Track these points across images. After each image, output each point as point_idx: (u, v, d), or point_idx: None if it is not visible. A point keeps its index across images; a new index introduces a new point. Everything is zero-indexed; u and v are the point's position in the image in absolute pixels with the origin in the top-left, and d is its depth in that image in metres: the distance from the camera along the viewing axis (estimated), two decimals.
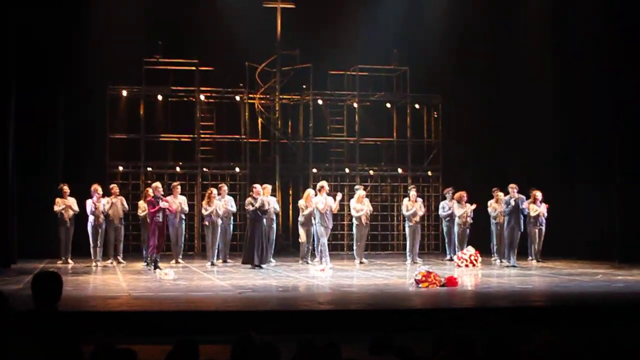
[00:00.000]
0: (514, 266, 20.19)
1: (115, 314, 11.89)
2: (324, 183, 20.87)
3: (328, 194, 20.64)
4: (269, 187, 21.53)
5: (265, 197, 20.57)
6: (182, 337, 6.10)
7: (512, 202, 20.41)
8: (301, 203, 21.89)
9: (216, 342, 8.25)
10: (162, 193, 20.20)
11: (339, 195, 20.63)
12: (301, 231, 21.67)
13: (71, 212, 21.02)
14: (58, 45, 23.11)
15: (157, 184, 20.41)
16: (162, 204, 19.67)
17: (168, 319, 11.54)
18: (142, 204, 21.46)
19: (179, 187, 21.90)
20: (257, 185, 20.54)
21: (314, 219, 20.55)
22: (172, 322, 11.30)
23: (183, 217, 21.66)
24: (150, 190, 20.47)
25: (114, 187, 21.74)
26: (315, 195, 20.68)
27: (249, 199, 20.26)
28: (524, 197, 20.74)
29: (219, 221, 21.42)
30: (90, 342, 5.98)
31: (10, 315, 6.44)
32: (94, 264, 20.56)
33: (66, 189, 21.00)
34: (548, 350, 5.24)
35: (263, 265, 19.84)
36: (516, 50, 25.66)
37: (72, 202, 21.00)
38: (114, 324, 11.08)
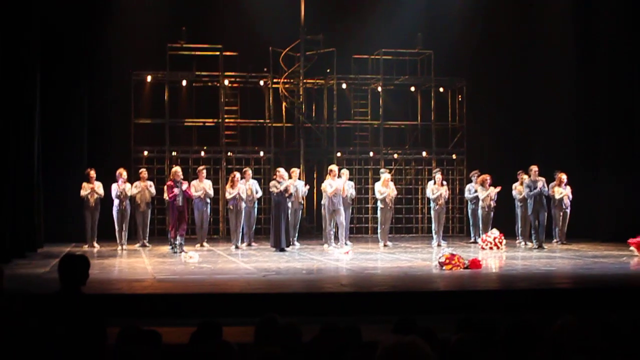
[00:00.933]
0: (541, 247, 20.15)
1: (140, 296, 11.98)
2: (333, 167, 21.14)
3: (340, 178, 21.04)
4: (296, 170, 21.72)
5: (292, 180, 20.75)
6: (206, 319, 6.17)
7: (533, 185, 20.45)
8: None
9: (240, 324, 8.33)
10: (182, 177, 20.28)
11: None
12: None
13: (97, 197, 21.13)
14: (83, 32, 23.28)
15: (177, 168, 20.50)
16: (176, 190, 19.78)
17: (192, 302, 11.63)
18: (166, 188, 21.58)
19: (204, 171, 21.99)
20: (281, 169, 20.68)
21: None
22: (196, 305, 11.37)
23: (208, 201, 21.77)
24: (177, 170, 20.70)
25: (143, 172, 21.86)
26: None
27: (273, 182, 20.36)
28: (544, 180, 20.72)
29: (243, 205, 21.51)
30: (115, 325, 6.05)
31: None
32: (119, 247, 20.73)
33: (92, 173, 21.11)
34: (569, 334, 5.25)
35: (287, 248, 19.94)
36: (540, 33, 25.54)
37: (98, 186, 21.11)
38: (139, 307, 11.15)
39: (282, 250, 19.71)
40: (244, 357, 4.85)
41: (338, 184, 20.83)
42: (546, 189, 20.84)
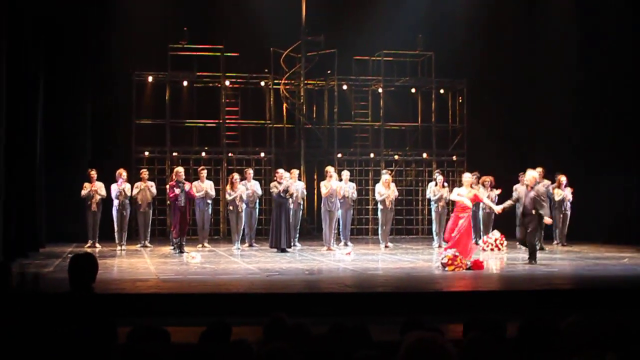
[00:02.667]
0: (541, 249, 20.17)
1: (145, 296, 12.03)
2: (329, 168, 21.19)
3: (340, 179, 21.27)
4: (295, 171, 21.79)
5: (292, 181, 20.82)
6: (214, 319, 6.21)
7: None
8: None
9: (245, 324, 8.37)
10: (184, 178, 20.34)
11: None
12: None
13: (98, 197, 21.15)
14: (85, 32, 23.34)
15: (179, 169, 20.58)
16: (177, 190, 19.84)
17: (197, 301, 11.68)
18: (168, 188, 21.63)
19: (205, 171, 22.04)
20: (281, 170, 20.75)
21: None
22: (201, 305, 11.42)
23: (209, 201, 21.82)
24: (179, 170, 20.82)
25: (143, 172, 21.91)
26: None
27: (273, 183, 20.41)
28: (548, 182, 20.73)
29: (244, 206, 21.56)
30: (121, 325, 6.09)
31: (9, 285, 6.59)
32: (118, 247, 20.77)
33: (93, 173, 21.14)
34: (579, 331, 5.30)
35: (289, 249, 19.98)
36: (541, 35, 25.62)
37: (99, 186, 21.14)
38: (144, 306, 11.19)
39: (283, 250, 19.75)
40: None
41: (334, 185, 20.89)
42: (550, 191, 20.85)
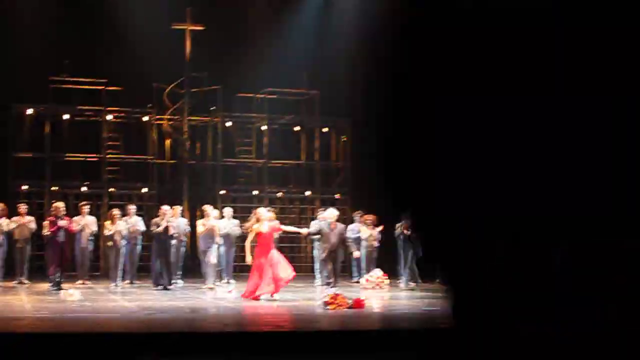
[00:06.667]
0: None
1: (19, 335, 11.67)
2: (205, 207, 21.00)
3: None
4: (178, 208, 21.58)
5: (174, 218, 20.59)
6: None
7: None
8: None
9: None
10: (64, 213, 19.95)
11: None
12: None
13: None
14: None
15: (59, 204, 20.18)
16: (61, 223, 19.45)
17: (72, 341, 11.37)
18: (47, 223, 21.15)
19: (88, 207, 21.68)
20: (165, 207, 20.51)
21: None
22: (77, 344, 11.13)
23: (91, 238, 21.43)
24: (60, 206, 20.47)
25: (21, 207, 21.45)
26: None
27: (155, 220, 20.17)
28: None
29: (123, 242, 21.20)
30: None
31: None
32: None
33: None
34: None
35: (169, 287, 19.73)
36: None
37: None
38: (17, 346, 10.85)
39: (165, 288, 19.49)
40: None
41: (213, 223, 20.64)
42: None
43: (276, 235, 21.89)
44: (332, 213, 19.44)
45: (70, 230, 20.11)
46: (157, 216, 20.30)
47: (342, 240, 19.79)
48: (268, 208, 23.20)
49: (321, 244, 19.32)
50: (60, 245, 19.48)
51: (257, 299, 16.95)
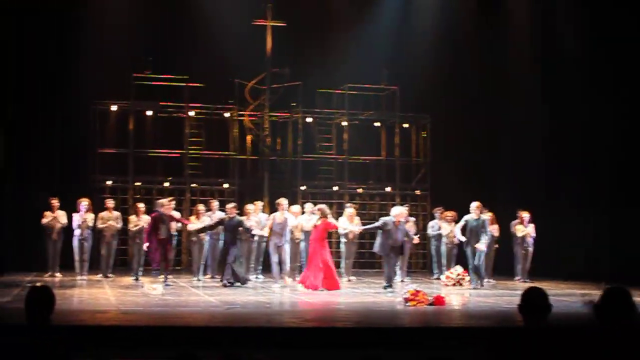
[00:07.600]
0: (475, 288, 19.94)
1: (104, 328, 11.89)
2: (280, 200, 20.83)
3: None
4: (259, 203, 21.73)
5: (255, 214, 20.79)
6: (182, 350, 6.12)
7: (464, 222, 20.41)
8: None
9: (204, 358, 8.27)
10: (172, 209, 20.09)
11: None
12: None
13: (59, 226, 21.00)
14: (52, 61, 23.27)
15: (165, 200, 20.30)
16: (175, 214, 19.78)
17: (155, 334, 11.54)
18: (133, 218, 21.45)
19: (173, 202, 21.85)
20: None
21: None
22: (159, 337, 11.29)
23: (175, 233, 21.63)
24: (140, 205, 20.70)
25: (109, 202, 21.79)
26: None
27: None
28: (486, 218, 20.38)
29: (207, 237, 21.38)
30: (80, 357, 6.00)
31: None
32: (78, 277, 20.57)
33: (55, 202, 20.99)
34: None
35: (248, 281, 19.83)
36: (506, 70, 25.74)
37: (60, 215, 20.99)
38: (103, 338, 11.06)
39: (244, 283, 19.55)
40: None
41: (284, 217, 20.52)
42: (487, 225, 20.40)
43: (357, 231, 21.88)
44: (398, 210, 19.49)
45: (185, 222, 20.48)
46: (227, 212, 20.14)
47: (406, 237, 19.89)
48: (349, 204, 23.31)
49: (384, 239, 19.10)
50: (162, 242, 19.48)
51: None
